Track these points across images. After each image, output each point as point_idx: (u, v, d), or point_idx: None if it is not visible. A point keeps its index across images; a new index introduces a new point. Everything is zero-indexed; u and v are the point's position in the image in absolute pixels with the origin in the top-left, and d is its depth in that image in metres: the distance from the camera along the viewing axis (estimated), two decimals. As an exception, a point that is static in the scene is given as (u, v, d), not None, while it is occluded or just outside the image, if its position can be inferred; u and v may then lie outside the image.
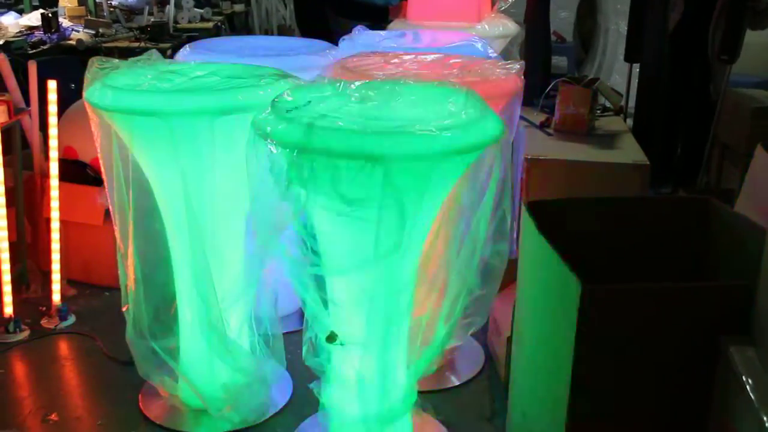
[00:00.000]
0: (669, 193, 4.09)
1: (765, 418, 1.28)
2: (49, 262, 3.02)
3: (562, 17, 6.24)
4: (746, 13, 3.70)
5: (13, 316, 2.87)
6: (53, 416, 2.43)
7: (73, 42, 4.96)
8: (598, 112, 3.25)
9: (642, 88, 4.19)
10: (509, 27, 3.70)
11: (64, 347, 2.85)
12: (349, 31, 3.22)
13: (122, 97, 2.02)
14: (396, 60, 2.59)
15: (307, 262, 1.85)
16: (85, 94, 2.12)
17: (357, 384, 1.96)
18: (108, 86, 2.06)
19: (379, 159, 1.61)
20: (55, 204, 2.99)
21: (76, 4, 5.71)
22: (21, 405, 2.49)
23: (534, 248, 1.78)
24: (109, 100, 2.03)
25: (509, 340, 2.41)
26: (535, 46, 3.79)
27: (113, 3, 6.06)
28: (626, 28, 4.53)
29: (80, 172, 3.24)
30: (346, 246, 1.87)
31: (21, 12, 5.58)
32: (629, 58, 4.31)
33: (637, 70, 4.22)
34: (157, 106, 1.99)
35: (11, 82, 3.12)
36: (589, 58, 6.48)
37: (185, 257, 2.21)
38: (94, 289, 3.24)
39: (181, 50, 2.87)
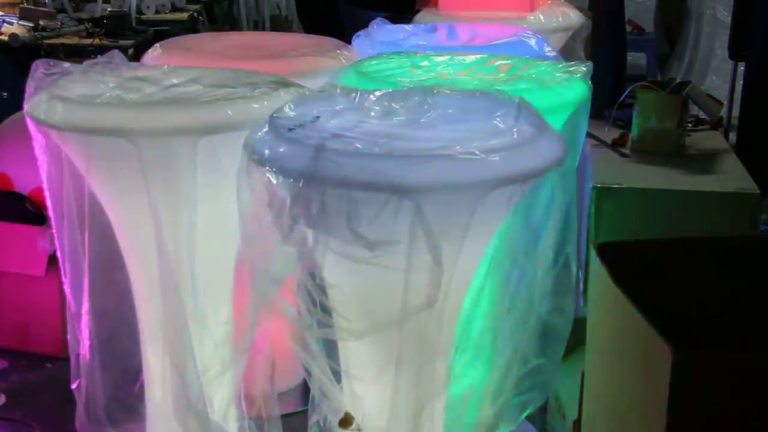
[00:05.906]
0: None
1: None
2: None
3: (640, 1, 6.27)
4: None
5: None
6: None
7: (5, 37, 5.03)
8: (690, 125, 3.27)
9: (748, 92, 4.20)
10: (571, 17, 3.74)
11: (-9, 437, 2.88)
12: (365, 25, 3.27)
13: (77, 111, 2.06)
14: (426, 62, 2.64)
15: (314, 322, 1.87)
16: (26, 106, 2.16)
17: (379, 482, 1.98)
18: (58, 97, 2.09)
19: (408, 191, 1.65)
20: (-17, 249, 3.05)
21: (8, -13, 5.78)
22: None
23: (608, 304, 1.80)
24: (59, 116, 2.06)
25: (576, 424, 2.42)
26: (605, 41, 3.82)
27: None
28: (728, 14, 4.52)
29: (16, 207, 3.29)
30: (366, 302, 1.90)
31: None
32: (734, 54, 4.30)
33: (743, 68, 4.22)
34: (123, 124, 2.02)
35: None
36: (676, 55, 6.50)
37: (156, 317, 2.24)
38: (33, 360, 3.27)
39: (150, 50, 2.93)
